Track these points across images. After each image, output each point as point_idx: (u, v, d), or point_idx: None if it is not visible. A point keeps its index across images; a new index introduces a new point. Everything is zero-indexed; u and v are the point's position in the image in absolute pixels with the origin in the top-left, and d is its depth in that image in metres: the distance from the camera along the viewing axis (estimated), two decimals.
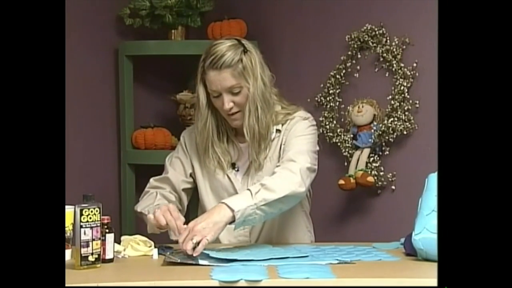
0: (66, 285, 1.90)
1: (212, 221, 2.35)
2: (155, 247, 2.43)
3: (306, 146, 2.62)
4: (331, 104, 3.54)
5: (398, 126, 3.37)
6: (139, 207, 2.69)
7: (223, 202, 2.40)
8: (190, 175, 2.72)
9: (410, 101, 3.36)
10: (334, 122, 3.54)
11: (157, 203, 2.60)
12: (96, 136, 3.72)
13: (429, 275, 2.06)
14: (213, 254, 2.30)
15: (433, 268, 1.99)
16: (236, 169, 2.67)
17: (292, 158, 2.55)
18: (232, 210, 2.37)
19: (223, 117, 2.65)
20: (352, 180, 3.43)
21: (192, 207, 2.89)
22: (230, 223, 2.38)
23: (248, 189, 2.44)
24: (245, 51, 2.60)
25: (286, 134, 2.64)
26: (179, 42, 3.76)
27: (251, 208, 2.39)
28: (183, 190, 2.72)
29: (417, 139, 3.38)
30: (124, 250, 2.40)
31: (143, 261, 2.37)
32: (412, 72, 3.36)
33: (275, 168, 2.56)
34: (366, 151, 3.45)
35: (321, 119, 3.55)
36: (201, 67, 2.62)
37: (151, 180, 2.77)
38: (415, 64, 3.36)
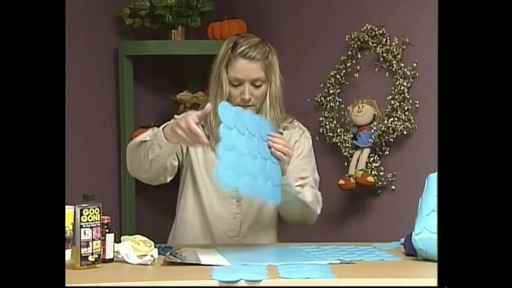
0: (66, 285, 1.90)
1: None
2: (155, 247, 2.42)
3: (316, 172, 2.75)
4: (331, 104, 3.54)
5: (398, 126, 3.37)
6: (136, 140, 2.59)
7: None
8: (176, 154, 2.69)
9: (410, 101, 3.36)
10: (334, 122, 3.54)
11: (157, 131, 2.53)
12: (96, 136, 3.72)
13: (429, 275, 2.06)
14: (217, 260, 2.30)
15: (433, 268, 1.99)
16: None
17: (313, 186, 2.70)
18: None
19: None
20: (352, 180, 3.43)
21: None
22: None
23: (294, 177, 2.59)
24: (270, 49, 2.69)
25: (293, 141, 2.71)
26: (179, 42, 3.76)
27: (289, 186, 2.54)
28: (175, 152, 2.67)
29: (417, 139, 3.38)
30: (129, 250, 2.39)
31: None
32: (412, 72, 3.36)
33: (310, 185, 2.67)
34: (366, 151, 3.45)
35: (321, 119, 3.55)
36: (228, 54, 2.65)
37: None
38: (415, 64, 3.36)
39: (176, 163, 2.68)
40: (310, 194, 2.63)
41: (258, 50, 2.65)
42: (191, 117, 2.40)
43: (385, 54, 3.41)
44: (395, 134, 3.39)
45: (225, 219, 2.68)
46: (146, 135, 2.58)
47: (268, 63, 2.65)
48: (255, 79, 2.64)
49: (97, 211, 2.24)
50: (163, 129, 2.50)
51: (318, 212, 2.68)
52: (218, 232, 2.69)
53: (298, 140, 2.74)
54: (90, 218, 2.22)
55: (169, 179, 2.67)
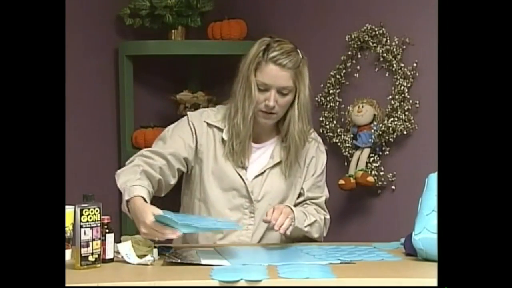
0: (66, 285, 1.90)
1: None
2: (155, 247, 2.42)
3: (326, 187, 2.79)
4: (331, 104, 3.54)
5: (398, 126, 3.37)
6: (119, 180, 2.54)
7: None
8: (185, 160, 2.64)
9: (410, 101, 3.36)
10: (334, 122, 3.54)
11: (135, 184, 2.46)
12: (96, 136, 3.72)
13: (429, 275, 2.06)
14: (217, 260, 2.29)
15: (433, 268, 1.99)
16: (245, 168, 2.66)
17: (324, 208, 2.74)
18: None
19: None
20: (352, 180, 3.43)
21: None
22: None
23: (305, 213, 2.62)
24: (302, 57, 2.64)
25: (309, 157, 2.71)
26: (179, 42, 3.76)
27: (299, 228, 2.58)
28: (177, 170, 2.64)
29: (417, 139, 3.38)
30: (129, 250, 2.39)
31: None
32: (412, 72, 3.36)
33: (320, 210, 2.72)
34: (366, 151, 3.45)
35: (321, 119, 3.55)
36: (259, 57, 2.59)
37: (144, 150, 2.66)
38: (415, 64, 3.36)
39: (173, 182, 2.62)
40: (317, 230, 2.66)
41: (291, 58, 2.59)
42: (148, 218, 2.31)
43: (385, 54, 3.41)
44: (395, 134, 3.39)
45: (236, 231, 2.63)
46: (122, 186, 2.50)
47: (299, 72, 2.59)
48: (282, 87, 2.57)
49: (97, 211, 2.24)
50: (128, 201, 2.42)
51: (325, 235, 2.73)
52: (226, 242, 2.63)
53: (315, 157, 2.72)
54: (90, 218, 2.22)
55: (163, 194, 2.64)
